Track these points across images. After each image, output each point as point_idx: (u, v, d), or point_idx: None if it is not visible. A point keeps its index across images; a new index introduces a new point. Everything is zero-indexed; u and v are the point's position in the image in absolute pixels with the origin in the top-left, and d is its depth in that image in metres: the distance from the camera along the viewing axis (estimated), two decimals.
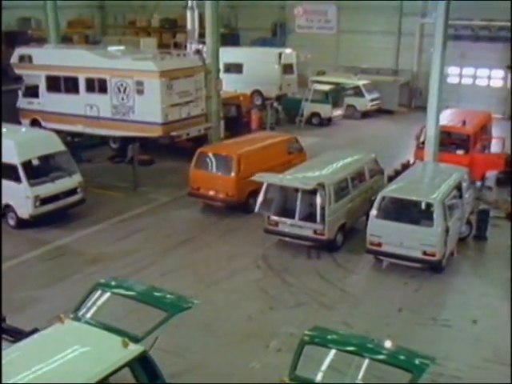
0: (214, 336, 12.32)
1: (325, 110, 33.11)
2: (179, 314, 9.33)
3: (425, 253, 14.76)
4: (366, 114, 36.36)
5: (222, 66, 27.14)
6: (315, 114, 33.34)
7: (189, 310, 9.48)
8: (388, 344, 9.06)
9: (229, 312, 13.34)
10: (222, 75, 25.90)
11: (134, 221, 18.76)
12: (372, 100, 36.45)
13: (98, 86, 23.87)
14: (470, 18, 37.66)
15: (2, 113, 20.28)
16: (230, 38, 43.05)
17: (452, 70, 39.72)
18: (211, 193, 19.20)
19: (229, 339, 12.21)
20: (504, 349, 12.08)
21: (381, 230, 15.18)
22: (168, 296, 10.04)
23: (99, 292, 9.99)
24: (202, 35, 29.13)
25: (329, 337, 9.21)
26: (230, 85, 29.92)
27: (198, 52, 28.27)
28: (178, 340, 11.69)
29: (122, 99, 23.15)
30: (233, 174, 18.88)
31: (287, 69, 36.32)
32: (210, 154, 19.62)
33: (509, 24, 37.27)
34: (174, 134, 22.64)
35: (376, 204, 15.31)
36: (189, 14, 34.40)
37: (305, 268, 15.62)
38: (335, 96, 33.70)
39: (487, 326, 13.02)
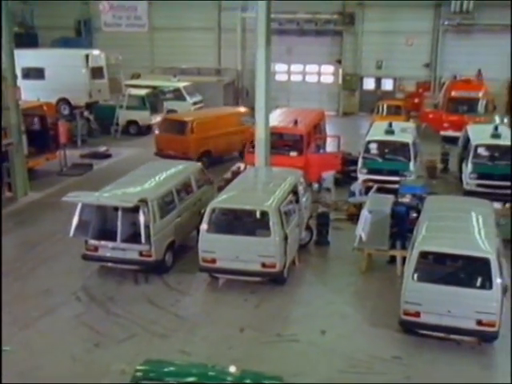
0: None
1: (142, 117, 33.15)
2: None
3: (264, 265, 15.23)
4: None
5: (19, 72, 26.30)
6: (132, 122, 33.31)
7: None
8: (232, 369, 9.26)
9: (49, 355, 12.90)
10: (19, 82, 25.10)
11: None
12: (195, 103, 37.00)
13: None
14: (294, 11, 39.44)
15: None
16: (26, 39, 41.93)
17: (280, 67, 41.48)
18: (171, 152, 25.72)
19: None
20: (357, 357, 12.78)
21: (214, 245, 15.46)
22: None
23: None
24: None
25: (165, 369, 9.22)
26: (31, 93, 29.12)
27: None
28: None
29: None
30: (189, 136, 26.22)
31: (96, 72, 35.92)
32: (171, 121, 28.01)
33: (335, 16, 39.60)
34: None
35: (206, 217, 15.57)
36: None
37: (132, 295, 15.52)
38: (153, 101, 33.90)
39: (337, 335, 13.70)
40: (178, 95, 36.50)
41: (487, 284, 12.62)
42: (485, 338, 12.98)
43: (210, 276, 16.15)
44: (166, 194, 17.05)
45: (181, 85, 37.04)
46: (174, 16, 42.22)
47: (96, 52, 36.88)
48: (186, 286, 16.01)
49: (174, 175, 18.32)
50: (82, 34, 44.75)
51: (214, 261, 15.51)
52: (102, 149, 29.41)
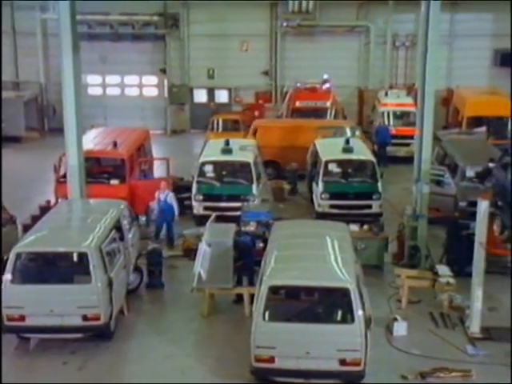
0: None
1: None
2: None
3: (85, 317, 14.99)
4: None
5: None
6: None
7: None
8: None
9: None
10: None
11: None
12: None
13: None
14: (106, 13, 39.20)
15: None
16: None
17: (92, 79, 41.01)
18: None
19: None
20: None
21: (21, 299, 15.07)
22: None
23: None
24: None
25: None
26: None
27: None
28: None
29: None
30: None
31: None
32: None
33: (155, 18, 39.67)
34: None
35: (10, 264, 15.14)
36: None
37: None
38: None
39: None
40: None
41: (348, 317, 13.11)
42: (350, 379, 13.46)
43: (18, 337, 15.71)
44: None
45: None
46: None
47: None
48: None
49: None
50: None
51: (22, 318, 15.09)
52: None
